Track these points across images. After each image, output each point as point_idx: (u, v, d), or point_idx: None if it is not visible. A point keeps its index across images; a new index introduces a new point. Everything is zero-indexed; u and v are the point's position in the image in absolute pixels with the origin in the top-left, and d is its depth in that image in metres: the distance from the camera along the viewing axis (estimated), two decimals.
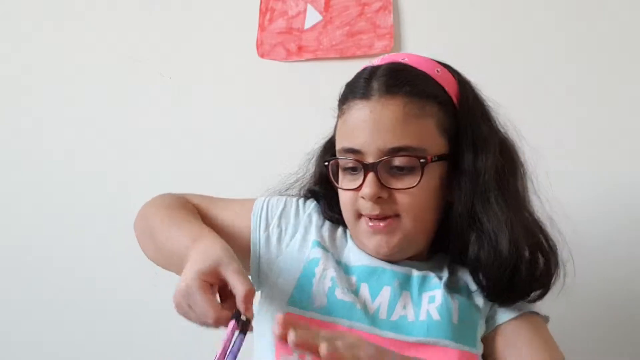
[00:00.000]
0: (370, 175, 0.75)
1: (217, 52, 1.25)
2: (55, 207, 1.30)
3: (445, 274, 0.80)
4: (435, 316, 0.75)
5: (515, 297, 0.77)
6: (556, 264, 0.79)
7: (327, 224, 0.86)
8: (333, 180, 0.81)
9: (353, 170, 0.78)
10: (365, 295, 0.77)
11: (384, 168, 0.75)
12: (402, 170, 0.75)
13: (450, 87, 0.79)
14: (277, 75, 1.22)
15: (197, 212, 0.87)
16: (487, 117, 0.82)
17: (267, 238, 0.85)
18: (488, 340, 0.78)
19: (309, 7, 1.23)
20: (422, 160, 0.74)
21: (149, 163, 1.27)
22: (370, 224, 0.77)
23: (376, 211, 0.76)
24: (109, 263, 1.27)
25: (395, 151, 0.74)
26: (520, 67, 1.14)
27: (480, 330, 0.77)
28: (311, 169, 0.90)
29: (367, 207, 0.76)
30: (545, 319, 0.81)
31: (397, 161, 0.75)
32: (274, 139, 1.21)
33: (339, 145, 0.80)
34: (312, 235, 0.83)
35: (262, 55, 1.23)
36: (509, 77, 1.14)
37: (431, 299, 0.76)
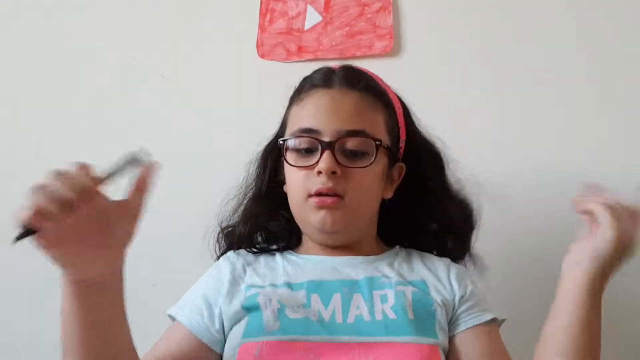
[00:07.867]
0: (327, 153, 0.80)
1: (217, 52, 1.26)
2: None
3: (394, 273, 0.83)
4: (392, 315, 0.77)
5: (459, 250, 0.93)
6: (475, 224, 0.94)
7: (246, 263, 0.87)
8: (286, 159, 0.84)
9: (307, 151, 0.83)
10: (318, 304, 0.79)
11: (339, 149, 0.81)
12: (355, 155, 0.82)
13: (391, 93, 0.90)
14: (277, 76, 1.22)
15: None
16: (415, 122, 0.93)
17: (211, 318, 0.82)
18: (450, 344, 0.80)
19: (309, 8, 1.23)
20: (377, 142, 0.82)
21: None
22: (317, 199, 0.81)
23: (329, 184, 0.80)
24: None
25: (351, 134, 0.81)
26: (521, 66, 1.14)
27: (441, 317, 0.79)
28: (252, 175, 0.94)
29: (320, 181, 0.80)
30: (501, 322, 0.85)
31: (353, 143, 0.82)
32: None
33: (294, 127, 0.85)
34: (243, 283, 0.84)
35: (262, 56, 1.23)
36: (509, 76, 1.15)
37: (383, 298, 0.79)
